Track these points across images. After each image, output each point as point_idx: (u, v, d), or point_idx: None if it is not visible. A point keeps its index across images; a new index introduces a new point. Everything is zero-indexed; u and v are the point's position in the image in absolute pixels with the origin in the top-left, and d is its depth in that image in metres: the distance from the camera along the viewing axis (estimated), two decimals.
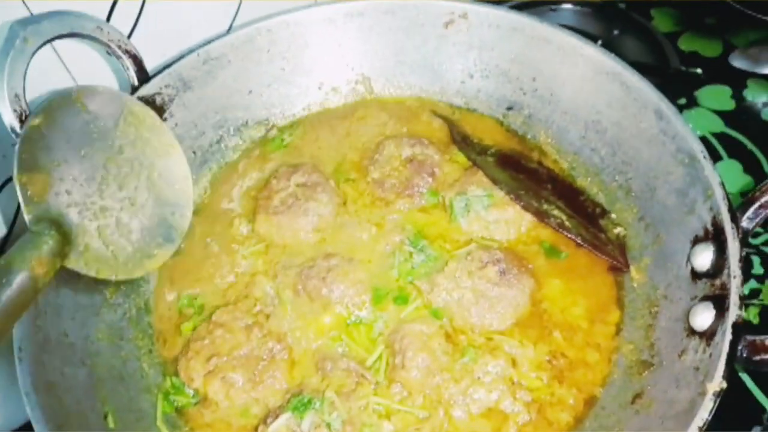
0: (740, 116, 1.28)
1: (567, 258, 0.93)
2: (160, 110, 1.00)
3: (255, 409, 0.83)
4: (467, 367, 0.82)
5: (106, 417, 0.78)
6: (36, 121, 0.82)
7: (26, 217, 0.77)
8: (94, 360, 0.82)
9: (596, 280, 0.90)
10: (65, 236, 0.78)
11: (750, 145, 1.24)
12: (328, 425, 0.77)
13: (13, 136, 0.87)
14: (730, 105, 1.31)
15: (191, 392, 0.86)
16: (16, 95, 0.85)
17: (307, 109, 1.15)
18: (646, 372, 0.78)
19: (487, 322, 0.86)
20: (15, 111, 0.85)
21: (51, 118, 0.83)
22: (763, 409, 0.91)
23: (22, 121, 0.86)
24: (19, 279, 0.69)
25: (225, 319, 0.89)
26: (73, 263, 0.79)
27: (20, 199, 0.77)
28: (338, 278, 0.90)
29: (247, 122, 1.12)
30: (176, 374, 0.87)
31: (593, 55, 0.96)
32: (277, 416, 0.78)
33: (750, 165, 1.20)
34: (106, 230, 0.85)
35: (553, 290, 0.90)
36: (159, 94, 1.00)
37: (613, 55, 0.95)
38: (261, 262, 0.96)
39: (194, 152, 1.07)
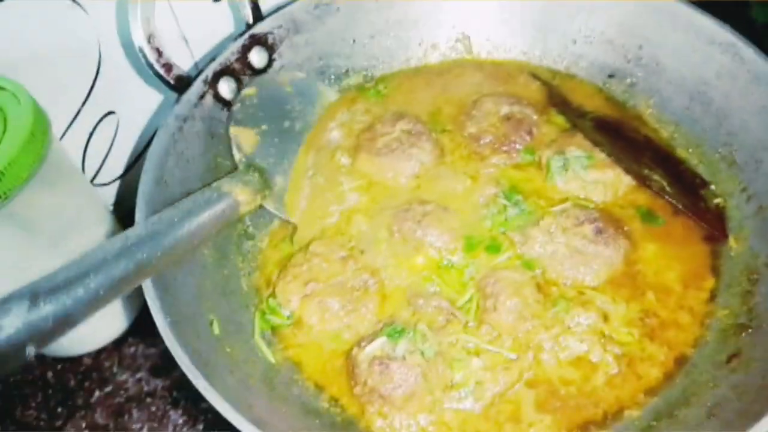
0: None
1: (663, 224, 0.92)
2: (270, 49, 1.04)
3: (347, 335, 0.86)
4: (558, 316, 0.83)
5: (211, 324, 0.82)
6: (250, 91, 1.02)
7: (236, 159, 0.95)
8: (201, 272, 0.86)
9: (692, 249, 0.90)
10: (265, 182, 0.93)
11: None
12: (422, 353, 0.79)
13: (141, 57, 0.92)
14: None
15: (287, 313, 0.89)
16: (147, 18, 0.90)
17: (405, 63, 1.17)
18: (744, 334, 0.78)
19: (580, 276, 0.87)
20: (144, 32, 0.90)
21: (262, 91, 1.02)
22: None
23: (149, 43, 0.91)
24: (224, 200, 0.83)
25: (321, 250, 0.92)
26: (269, 204, 0.93)
27: (233, 146, 0.96)
28: (432, 223, 0.92)
29: (347, 71, 1.15)
30: (273, 296, 0.90)
31: (707, 24, 0.96)
32: (371, 340, 0.81)
33: None
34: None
35: (648, 253, 0.90)
36: (271, 33, 1.03)
37: (727, 26, 0.94)
38: (360, 199, 0.98)
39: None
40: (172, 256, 0.75)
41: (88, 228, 0.98)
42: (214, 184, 0.86)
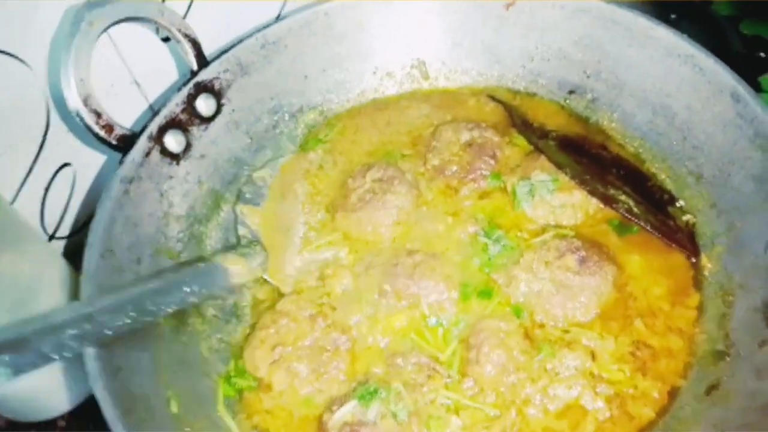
0: None
1: (639, 232, 0.90)
2: (218, 95, 1.00)
3: (318, 399, 0.83)
4: (544, 363, 0.80)
5: (169, 402, 0.78)
6: (261, 173, 1.05)
7: (240, 234, 0.96)
8: (157, 344, 0.82)
9: (673, 257, 0.88)
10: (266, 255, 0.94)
11: None
12: (394, 415, 0.76)
13: (78, 119, 0.88)
14: None
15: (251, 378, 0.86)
16: (82, 80, 0.86)
17: (362, 95, 1.14)
18: (722, 363, 0.75)
19: (570, 313, 0.84)
20: (80, 95, 0.87)
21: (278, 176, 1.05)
22: None
23: (86, 105, 0.87)
24: (214, 271, 0.86)
25: (289, 309, 0.89)
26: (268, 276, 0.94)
27: (237, 224, 0.98)
28: (426, 274, 0.88)
29: (302, 108, 1.11)
30: (240, 358, 0.87)
31: (664, 36, 0.93)
32: (342, 404, 0.78)
33: None
34: None
35: (634, 267, 0.88)
36: (217, 79, 1.00)
37: (685, 36, 0.92)
38: (342, 256, 0.95)
39: (250, 138, 1.06)
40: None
41: (50, 290, 0.95)
42: (206, 256, 0.89)
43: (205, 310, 0.92)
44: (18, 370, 0.65)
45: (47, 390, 1.00)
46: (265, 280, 0.94)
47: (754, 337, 0.72)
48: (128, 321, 0.74)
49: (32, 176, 1.00)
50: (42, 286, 0.92)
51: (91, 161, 1.08)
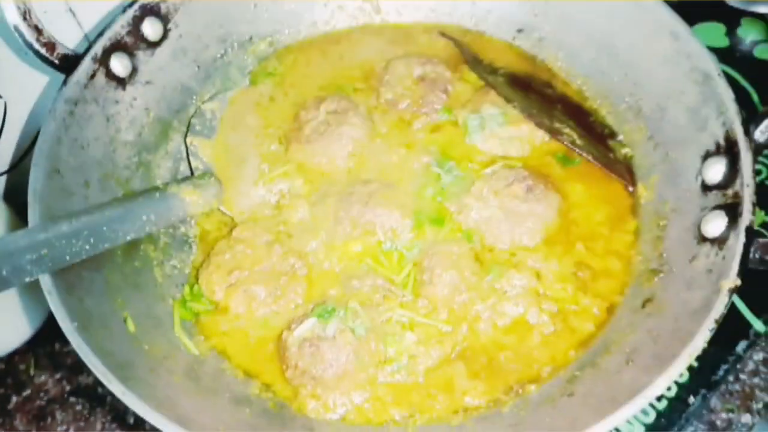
0: (733, 53, 1.30)
1: (581, 164, 0.95)
2: (165, 19, 0.97)
3: (275, 321, 0.84)
4: (493, 284, 0.84)
5: (125, 321, 0.77)
6: (211, 105, 1.03)
7: (193, 166, 0.96)
8: (109, 266, 0.81)
9: (613, 187, 0.93)
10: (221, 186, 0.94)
11: (742, 81, 1.26)
12: (353, 330, 0.78)
13: (16, 35, 0.83)
14: (723, 42, 1.32)
15: (207, 302, 0.86)
16: None
17: (312, 27, 1.12)
18: (656, 279, 0.81)
19: (517, 237, 0.88)
20: (19, 8, 0.82)
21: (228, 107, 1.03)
22: (749, 325, 0.95)
23: (26, 20, 0.83)
24: (169, 200, 0.86)
25: (245, 236, 0.89)
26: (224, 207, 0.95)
27: (189, 155, 0.98)
28: (381, 202, 0.90)
29: (251, 38, 1.09)
30: (196, 282, 0.87)
31: None
32: (301, 322, 0.79)
33: (742, 100, 1.21)
34: None
35: (576, 196, 0.92)
36: (164, 2, 0.96)
37: None
38: (298, 186, 0.95)
39: (198, 66, 1.04)
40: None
41: None
42: (162, 185, 0.89)
43: (157, 237, 0.90)
44: None
45: None
46: (214, 212, 0.94)
47: (686, 253, 0.78)
48: (86, 247, 0.74)
49: None
50: None
51: (22, 93, 1.02)
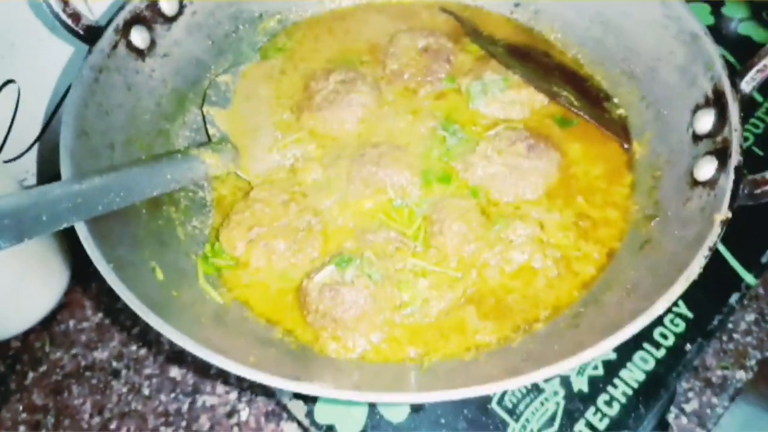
0: (719, 31, 1.36)
1: (579, 125, 1.00)
2: None
3: (293, 274, 0.88)
4: (499, 234, 0.89)
5: (154, 270, 0.81)
6: (224, 78, 1.07)
7: (210, 133, 1.00)
8: (136, 222, 0.85)
9: (609, 146, 0.99)
10: (238, 152, 0.99)
11: (729, 57, 1.32)
12: (369, 276, 0.82)
13: (46, 7, 0.88)
14: (709, 20, 1.38)
15: (228, 258, 0.90)
16: None
17: (319, 4, 1.17)
18: (652, 223, 0.86)
19: (521, 192, 0.92)
20: None
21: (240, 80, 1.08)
22: (740, 278, 1.01)
23: None
24: (191, 160, 0.91)
25: (263, 196, 0.93)
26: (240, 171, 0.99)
27: (207, 123, 1.02)
28: (391, 163, 0.94)
29: (261, 15, 1.14)
30: (217, 240, 0.91)
31: None
32: (320, 270, 0.84)
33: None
34: None
35: (575, 153, 0.98)
36: None
37: None
38: (311, 151, 0.99)
39: (212, 41, 1.09)
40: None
41: None
42: (183, 149, 0.93)
43: (178, 200, 0.95)
44: (20, 235, 0.67)
45: (1, 310, 1.01)
46: (230, 177, 0.99)
47: (680, 197, 0.83)
48: (117, 200, 0.77)
49: None
50: None
51: (36, 79, 1.06)
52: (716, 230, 0.72)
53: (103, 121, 0.89)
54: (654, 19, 0.97)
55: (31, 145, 1.11)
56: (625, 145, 0.98)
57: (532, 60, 1.08)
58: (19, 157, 1.12)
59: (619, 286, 0.80)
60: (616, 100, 1.03)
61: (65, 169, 0.79)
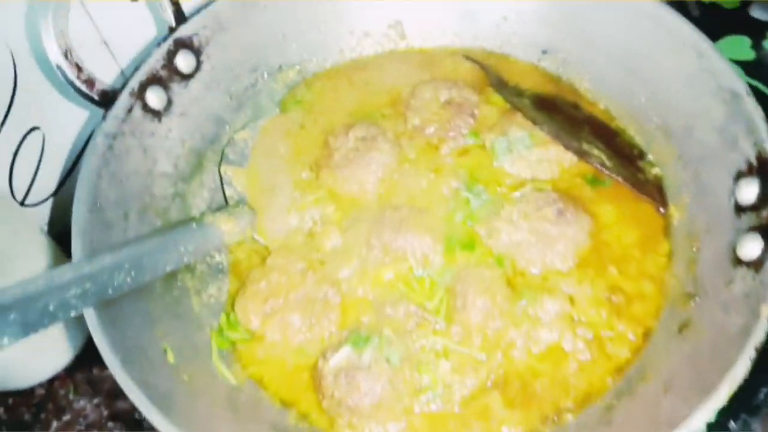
0: (760, 66, 1.29)
1: (611, 185, 0.95)
2: (197, 52, 1.00)
3: (310, 349, 0.85)
4: (526, 309, 0.84)
5: (165, 352, 0.79)
6: (243, 134, 1.04)
7: (227, 195, 0.98)
8: (149, 296, 0.83)
9: (644, 208, 0.93)
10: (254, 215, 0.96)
11: None
12: (387, 359, 0.79)
13: (58, 73, 0.86)
14: (749, 55, 1.31)
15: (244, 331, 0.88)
16: (62, 31, 0.85)
17: (339, 55, 1.14)
18: (691, 302, 0.81)
19: (549, 261, 0.87)
20: (60, 47, 0.85)
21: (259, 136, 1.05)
22: None
23: (67, 58, 0.86)
24: (206, 230, 0.88)
25: (280, 263, 0.90)
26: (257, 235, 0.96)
27: (224, 184, 0.99)
28: (412, 228, 0.90)
29: (280, 67, 1.11)
30: (232, 311, 0.89)
31: None
32: (336, 350, 0.81)
33: None
34: None
35: (607, 217, 0.92)
36: (196, 35, 0.99)
37: None
38: (329, 213, 0.96)
39: (230, 96, 1.06)
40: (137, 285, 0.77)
41: (25, 256, 0.94)
42: (198, 216, 0.91)
43: (194, 266, 0.92)
44: (26, 329, 0.65)
45: (26, 358, 1.00)
46: (246, 240, 0.96)
47: (722, 277, 0.77)
48: (128, 280, 0.75)
49: (0, 141, 0.98)
50: (17, 252, 0.92)
51: (60, 125, 1.06)
52: (763, 326, 0.66)
53: (118, 191, 0.87)
54: (690, 72, 0.91)
55: (54, 193, 1.11)
56: (661, 209, 0.92)
57: (560, 112, 1.03)
58: (40, 203, 1.12)
59: (656, 376, 0.75)
60: (650, 158, 0.98)
61: (76, 249, 0.77)
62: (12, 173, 1.04)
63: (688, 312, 0.80)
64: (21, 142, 1.02)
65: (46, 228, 1.15)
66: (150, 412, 0.65)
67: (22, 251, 0.94)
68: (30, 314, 0.66)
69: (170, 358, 0.78)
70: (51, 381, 1.05)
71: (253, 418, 0.78)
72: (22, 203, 1.07)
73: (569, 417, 0.77)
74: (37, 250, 0.96)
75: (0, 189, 1.02)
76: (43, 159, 1.07)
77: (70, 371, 1.05)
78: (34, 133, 1.03)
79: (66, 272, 0.72)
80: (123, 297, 0.77)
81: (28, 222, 0.99)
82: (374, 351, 0.80)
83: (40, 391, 1.04)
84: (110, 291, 0.74)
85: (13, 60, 0.94)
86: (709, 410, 0.62)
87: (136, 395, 0.66)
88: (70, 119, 1.07)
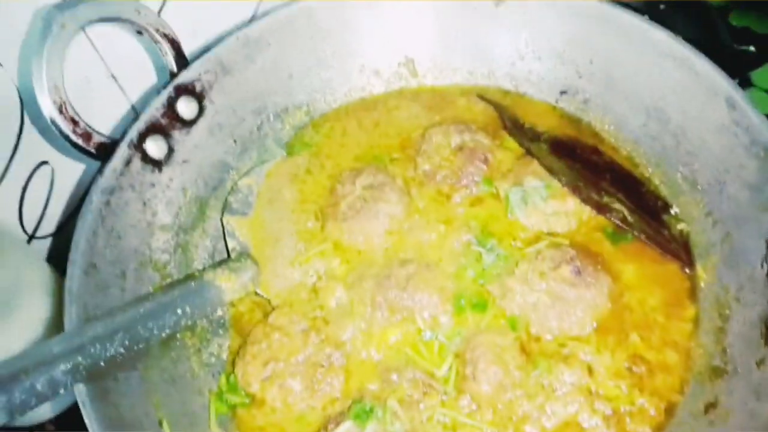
0: None
1: (633, 240, 0.90)
2: (200, 97, 0.96)
3: (312, 417, 0.82)
4: (540, 380, 0.80)
5: (161, 424, 0.76)
6: (247, 181, 1.01)
7: (230, 247, 0.94)
8: (146, 362, 0.80)
9: (668, 267, 0.88)
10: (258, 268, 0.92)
11: None
12: None
13: (53, 128, 0.84)
14: None
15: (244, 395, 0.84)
16: (56, 86, 0.82)
17: (348, 94, 1.10)
18: (719, 380, 0.75)
19: (566, 326, 0.83)
20: (55, 102, 0.82)
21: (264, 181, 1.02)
22: None
23: (61, 113, 0.83)
24: (205, 289, 0.85)
25: (282, 323, 0.87)
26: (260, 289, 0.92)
27: (226, 235, 0.96)
28: (419, 286, 0.86)
29: (287, 108, 1.07)
30: (233, 372, 0.86)
31: (660, 38, 0.91)
32: (338, 424, 0.77)
33: None
34: None
35: (629, 277, 0.87)
36: (198, 80, 0.95)
37: (680, 38, 0.90)
38: (333, 267, 0.93)
39: (234, 141, 1.03)
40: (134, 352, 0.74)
41: (31, 292, 0.92)
42: (197, 273, 0.87)
43: (194, 323, 0.89)
44: (12, 411, 0.63)
45: None
46: (249, 294, 0.92)
47: (752, 354, 0.72)
48: (121, 350, 0.73)
49: (9, 176, 0.97)
50: (23, 288, 0.90)
51: (69, 159, 1.03)
52: None
53: (115, 249, 0.84)
54: (720, 123, 0.86)
55: (59, 227, 1.09)
56: (687, 269, 0.86)
57: (580, 158, 0.98)
58: (49, 236, 1.10)
59: None
60: (676, 211, 0.92)
61: (69, 316, 0.75)
62: (21, 208, 1.02)
63: (714, 390, 0.75)
64: (30, 177, 1.00)
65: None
66: None
67: (28, 288, 0.91)
68: (15, 395, 0.64)
69: (166, 429, 0.75)
70: (59, 417, 1.01)
71: None
72: (32, 236, 1.06)
73: None
74: (43, 287, 0.94)
75: (7, 223, 1.01)
76: (53, 193, 1.05)
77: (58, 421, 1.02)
78: (43, 168, 1.01)
79: (54, 345, 0.69)
80: (117, 365, 0.74)
81: (34, 258, 0.97)
82: (377, 425, 0.76)
83: (50, 428, 1.01)
84: (102, 363, 0.71)
85: (20, 97, 0.91)
86: None
87: None
88: (78, 154, 1.05)
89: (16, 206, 1.01)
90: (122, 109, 1.06)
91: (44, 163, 1.01)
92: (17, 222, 1.02)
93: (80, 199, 1.08)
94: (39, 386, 0.66)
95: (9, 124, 0.93)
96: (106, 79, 1.01)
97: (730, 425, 0.69)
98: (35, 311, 0.90)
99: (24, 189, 1.00)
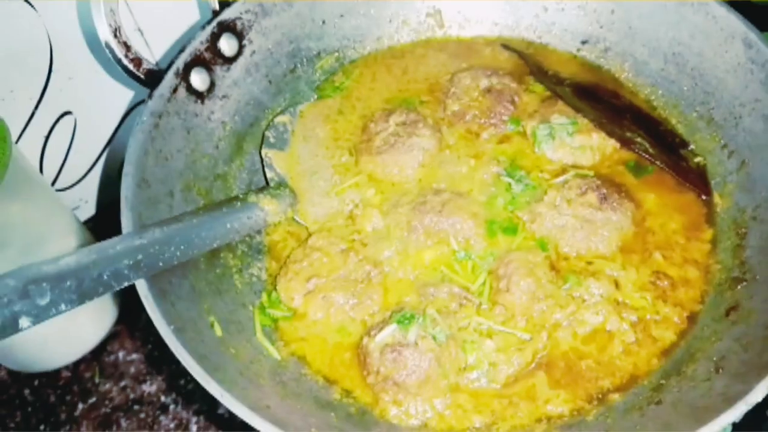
0: None
1: (653, 172, 0.95)
2: (240, 35, 1.00)
3: (351, 327, 0.85)
4: (571, 292, 0.84)
5: (212, 326, 0.79)
6: (282, 119, 1.05)
7: (268, 177, 0.99)
8: (194, 273, 0.83)
9: (687, 195, 0.93)
10: (295, 197, 0.97)
11: None
12: (434, 337, 0.78)
13: (107, 51, 0.87)
14: None
15: (285, 309, 0.88)
16: (112, 10, 0.86)
17: (377, 42, 1.15)
18: (739, 287, 0.80)
19: (593, 246, 0.87)
20: (110, 26, 0.86)
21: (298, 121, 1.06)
22: None
23: (116, 37, 0.87)
24: (250, 209, 0.89)
25: (321, 244, 0.90)
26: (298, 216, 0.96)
27: (265, 167, 1.00)
28: (455, 212, 0.90)
29: (319, 53, 1.12)
30: (274, 290, 0.89)
31: None
32: (382, 328, 0.80)
33: None
34: None
35: (650, 205, 0.92)
36: (239, 19, 1.00)
37: None
38: (370, 197, 0.96)
39: (270, 81, 1.07)
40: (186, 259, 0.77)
41: (56, 236, 0.95)
42: (242, 195, 0.91)
43: (235, 246, 0.93)
44: (82, 297, 0.66)
45: (53, 340, 1.01)
46: (282, 222, 0.96)
47: None
48: (177, 254, 0.76)
49: (33, 123, 1.00)
50: (50, 233, 0.93)
51: (92, 110, 1.07)
52: None
53: (163, 168, 0.87)
54: (737, 62, 0.91)
55: (84, 175, 1.12)
56: (704, 196, 0.92)
57: (601, 101, 1.03)
58: (73, 186, 1.12)
59: (705, 358, 0.74)
60: (693, 147, 0.97)
61: (126, 222, 0.78)
62: (43, 157, 1.05)
63: (735, 296, 0.80)
64: (53, 127, 1.03)
65: (82, 208, 1.16)
66: (207, 382, 0.65)
67: (55, 233, 0.95)
68: (86, 282, 0.67)
69: (217, 331, 0.79)
70: (77, 363, 1.05)
71: (299, 392, 0.78)
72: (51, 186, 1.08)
73: (615, 396, 0.77)
74: (68, 232, 0.97)
75: (35, 171, 1.03)
76: (74, 144, 1.08)
77: (96, 354, 1.06)
78: (66, 118, 1.04)
79: (118, 244, 0.72)
80: (170, 273, 0.77)
81: (60, 204, 1.00)
82: (420, 329, 0.79)
83: (66, 374, 1.05)
84: (160, 263, 0.74)
85: (50, 42, 0.94)
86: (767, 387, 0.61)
87: (191, 365, 0.66)
88: (101, 105, 1.08)
89: (38, 155, 1.04)
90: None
91: (68, 113, 1.04)
92: (38, 172, 1.05)
93: (100, 153, 1.12)
94: (105, 276, 0.69)
95: (38, 70, 0.96)
96: (132, 32, 1.04)
97: (752, 322, 0.74)
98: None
99: (46, 138, 1.03)
